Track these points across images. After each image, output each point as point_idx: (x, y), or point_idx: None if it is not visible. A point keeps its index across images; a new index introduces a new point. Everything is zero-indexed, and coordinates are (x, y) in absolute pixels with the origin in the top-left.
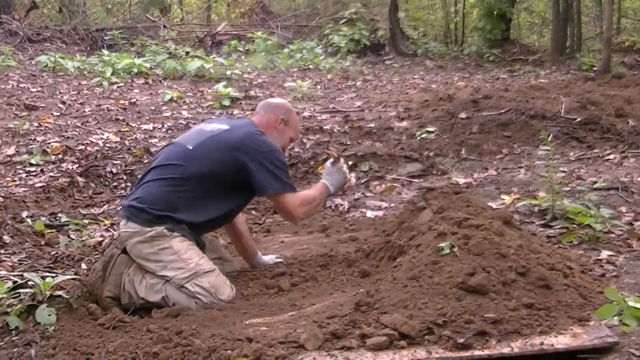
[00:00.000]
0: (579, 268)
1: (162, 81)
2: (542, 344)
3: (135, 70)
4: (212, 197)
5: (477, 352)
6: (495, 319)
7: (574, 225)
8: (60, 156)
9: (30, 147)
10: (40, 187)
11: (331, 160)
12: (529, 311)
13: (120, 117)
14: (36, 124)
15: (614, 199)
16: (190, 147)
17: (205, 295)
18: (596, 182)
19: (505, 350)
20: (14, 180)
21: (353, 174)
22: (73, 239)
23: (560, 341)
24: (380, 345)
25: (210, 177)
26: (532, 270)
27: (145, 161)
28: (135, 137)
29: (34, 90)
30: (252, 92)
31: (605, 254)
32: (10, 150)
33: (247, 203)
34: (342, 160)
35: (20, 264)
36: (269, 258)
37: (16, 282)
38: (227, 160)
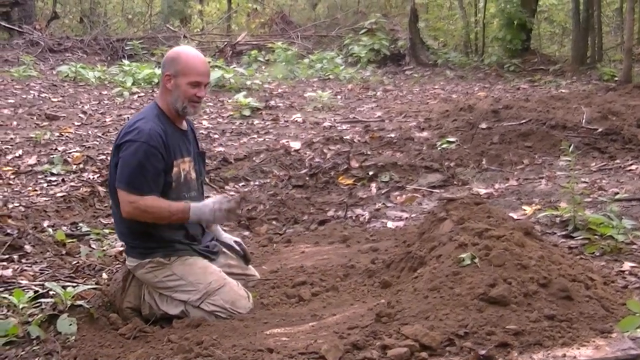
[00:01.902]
0: (601, 279)
1: None
2: (564, 356)
3: (156, 80)
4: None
5: None
6: (517, 330)
7: (596, 237)
8: (81, 166)
9: (52, 156)
10: (61, 196)
11: (232, 199)
12: (551, 323)
13: None
14: (57, 134)
15: (636, 210)
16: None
17: (222, 311)
18: (618, 193)
19: None
20: (35, 190)
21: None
22: (94, 249)
23: (583, 353)
24: (401, 357)
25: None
26: (554, 282)
27: None
28: None
29: (55, 100)
30: (272, 102)
31: (627, 265)
32: (32, 160)
33: (182, 187)
34: (231, 205)
35: (41, 273)
36: (227, 237)
37: (37, 291)
38: (115, 164)
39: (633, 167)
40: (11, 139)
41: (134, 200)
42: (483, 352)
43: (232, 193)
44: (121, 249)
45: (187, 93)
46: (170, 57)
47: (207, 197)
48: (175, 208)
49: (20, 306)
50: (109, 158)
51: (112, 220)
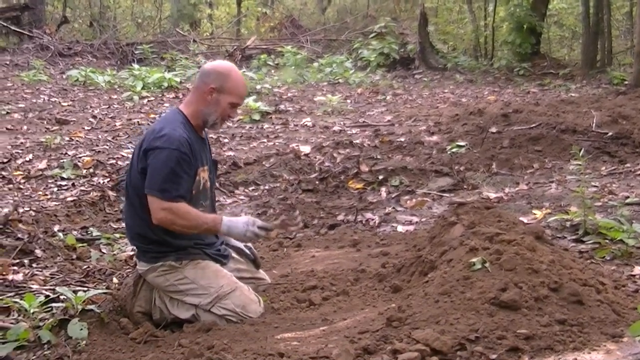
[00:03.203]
0: (612, 284)
1: None
2: (575, 359)
3: (166, 84)
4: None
5: None
6: (528, 334)
7: (607, 241)
8: (91, 170)
9: (62, 161)
10: (72, 201)
11: (275, 222)
12: (562, 327)
13: None
14: (67, 138)
15: None
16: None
17: (232, 315)
18: (628, 197)
19: None
20: (46, 195)
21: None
22: (104, 253)
23: (594, 357)
24: None
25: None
26: (565, 286)
27: None
28: None
29: (65, 104)
30: (282, 106)
31: (638, 269)
32: (42, 165)
33: (200, 195)
34: (266, 229)
35: (52, 277)
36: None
37: (48, 296)
38: (142, 162)
39: None
40: (21, 143)
41: (168, 207)
42: (494, 356)
43: (242, 197)
44: (131, 253)
45: (225, 111)
46: (219, 71)
47: (217, 201)
48: (207, 218)
49: (31, 311)
50: (119, 162)
51: (124, 224)
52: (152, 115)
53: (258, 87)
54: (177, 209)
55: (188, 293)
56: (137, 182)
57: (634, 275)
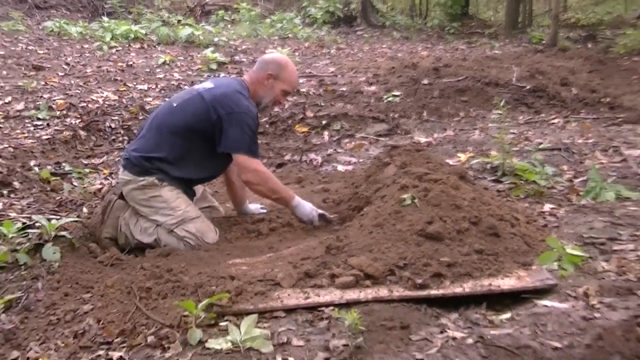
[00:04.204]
0: (524, 219)
1: (156, 46)
2: (490, 285)
3: (132, 36)
4: (195, 151)
5: (433, 292)
6: (450, 262)
7: (521, 181)
8: (64, 112)
9: (38, 103)
10: (47, 139)
11: (327, 216)
12: (480, 256)
13: (118, 78)
14: (43, 83)
15: (557, 158)
16: (175, 105)
17: (192, 238)
18: (542, 144)
19: (458, 290)
20: (23, 133)
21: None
22: (75, 186)
23: (506, 283)
24: (348, 284)
25: (191, 130)
26: (483, 220)
27: (141, 118)
28: (132, 96)
29: (41, 52)
30: (237, 58)
31: (547, 207)
32: (20, 106)
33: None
34: (325, 219)
35: (28, 207)
36: (255, 207)
37: (25, 223)
38: (204, 114)
39: (555, 120)
40: (1, 87)
41: (257, 167)
42: (419, 281)
43: None
44: (99, 186)
45: (278, 97)
46: (277, 61)
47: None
48: (285, 191)
49: (10, 236)
50: (89, 105)
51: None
52: (120, 64)
53: (216, 39)
54: (263, 171)
55: (158, 211)
56: (184, 124)
57: (543, 212)
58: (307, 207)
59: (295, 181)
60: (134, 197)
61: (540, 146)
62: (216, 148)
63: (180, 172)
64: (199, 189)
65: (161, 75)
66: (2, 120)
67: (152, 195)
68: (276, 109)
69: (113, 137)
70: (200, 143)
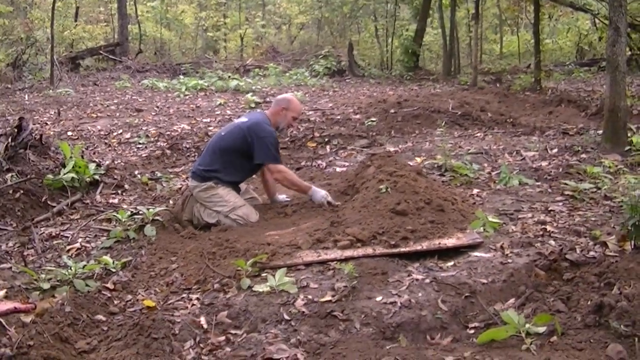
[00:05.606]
0: (461, 199)
1: (215, 93)
2: (439, 243)
3: (199, 87)
4: (237, 163)
5: (402, 249)
6: (413, 229)
7: (457, 175)
8: (156, 138)
9: (139, 133)
10: (145, 156)
11: (332, 203)
12: (432, 225)
13: (191, 115)
14: (142, 120)
15: (480, 159)
16: (223, 134)
17: (241, 220)
18: (470, 150)
19: (418, 247)
20: (130, 153)
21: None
22: (164, 187)
23: (450, 242)
24: (345, 246)
25: (234, 150)
26: (434, 201)
27: (205, 141)
28: (200, 126)
29: (140, 100)
30: (267, 99)
31: (475, 191)
32: (128, 135)
33: (260, 166)
34: (330, 204)
35: (134, 201)
36: (282, 197)
37: (132, 211)
38: (242, 139)
39: (478, 134)
40: (115, 123)
41: (282, 169)
42: (393, 242)
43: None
44: (179, 186)
45: (290, 122)
46: (286, 99)
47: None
48: (303, 184)
49: (123, 220)
50: (172, 133)
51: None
52: (191, 105)
53: (253, 87)
54: (286, 171)
55: (217, 204)
56: (229, 146)
57: (473, 194)
58: (319, 195)
59: (308, 179)
60: (200, 196)
61: (469, 151)
62: (253, 160)
63: (228, 178)
64: (242, 186)
65: (218, 112)
66: (116, 145)
67: (212, 194)
68: (290, 130)
69: (188, 154)
70: (240, 159)
